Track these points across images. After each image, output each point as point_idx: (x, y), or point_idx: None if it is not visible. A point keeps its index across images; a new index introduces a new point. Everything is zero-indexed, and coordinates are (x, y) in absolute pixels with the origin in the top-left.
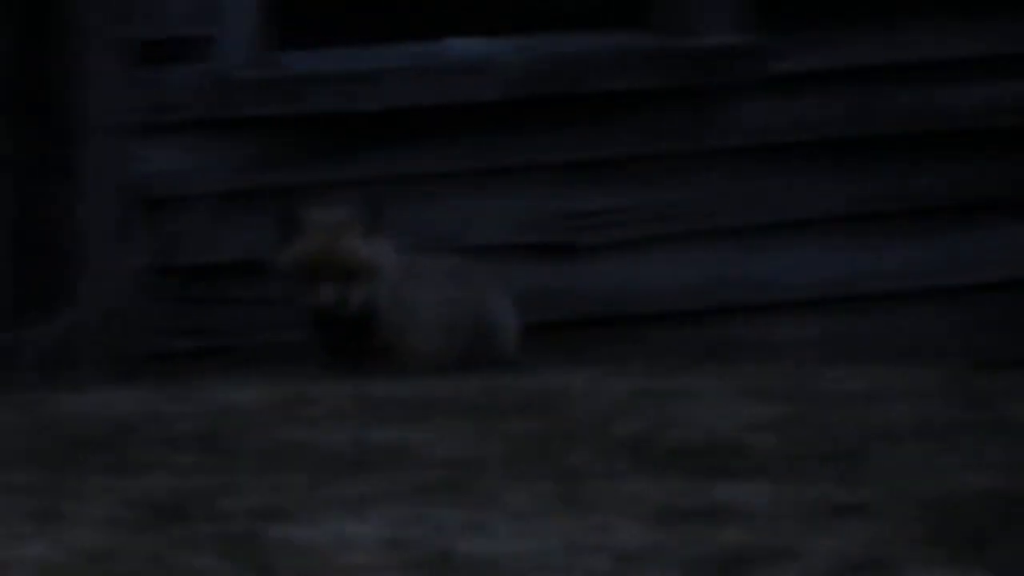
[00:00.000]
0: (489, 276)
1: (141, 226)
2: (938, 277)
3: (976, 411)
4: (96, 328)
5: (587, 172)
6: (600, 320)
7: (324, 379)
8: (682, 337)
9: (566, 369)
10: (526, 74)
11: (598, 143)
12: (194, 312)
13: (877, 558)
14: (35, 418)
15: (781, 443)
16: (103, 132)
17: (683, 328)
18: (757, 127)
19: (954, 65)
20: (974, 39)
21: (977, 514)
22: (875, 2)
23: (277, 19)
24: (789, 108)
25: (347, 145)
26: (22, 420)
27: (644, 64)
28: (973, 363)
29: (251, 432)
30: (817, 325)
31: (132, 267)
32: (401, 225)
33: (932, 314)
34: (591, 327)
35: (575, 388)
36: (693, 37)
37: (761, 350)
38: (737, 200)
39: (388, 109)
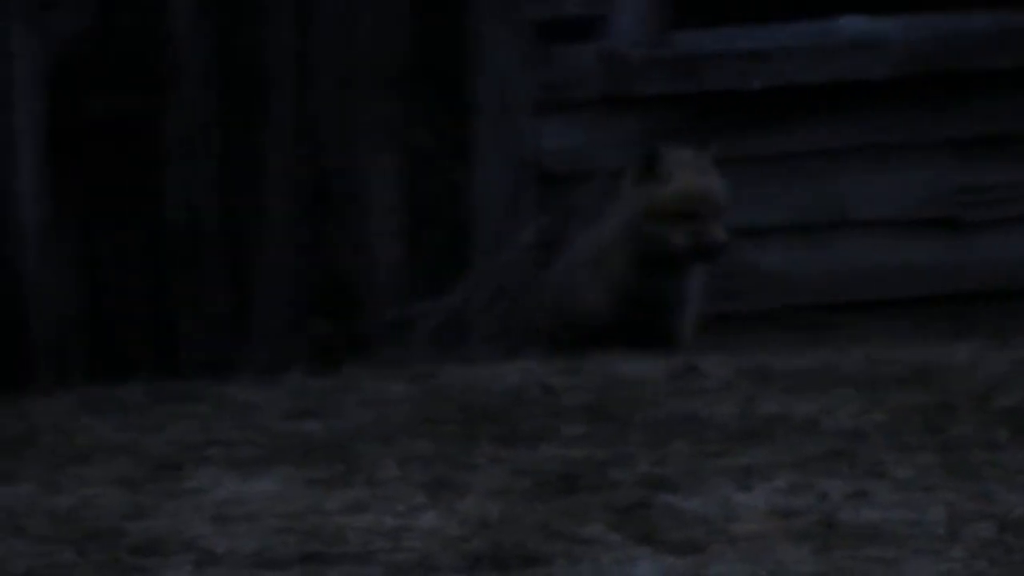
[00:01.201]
0: None
1: (534, 202)
2: None
3: None
4: (488, 302)
5: (976, 149)
6: (988, 294)
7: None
8: None
9: (950, 341)
10: (914, 52)
11: (986, 120)
12: None
13: None
14: (428, 390)
15: None
16: (499, 109)
17: None
18: None
19: None
20: None
21: None
22: None
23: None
24: None
25: (738, 122)
26: (416, 392)
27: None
28: None
29: (639, 404)
30: None
31: (525, 242)
32: (791, 200)
33: None
34: (980, 301)
35: (958, 360)
36: None
37: None
38: None
39: (779, 87)
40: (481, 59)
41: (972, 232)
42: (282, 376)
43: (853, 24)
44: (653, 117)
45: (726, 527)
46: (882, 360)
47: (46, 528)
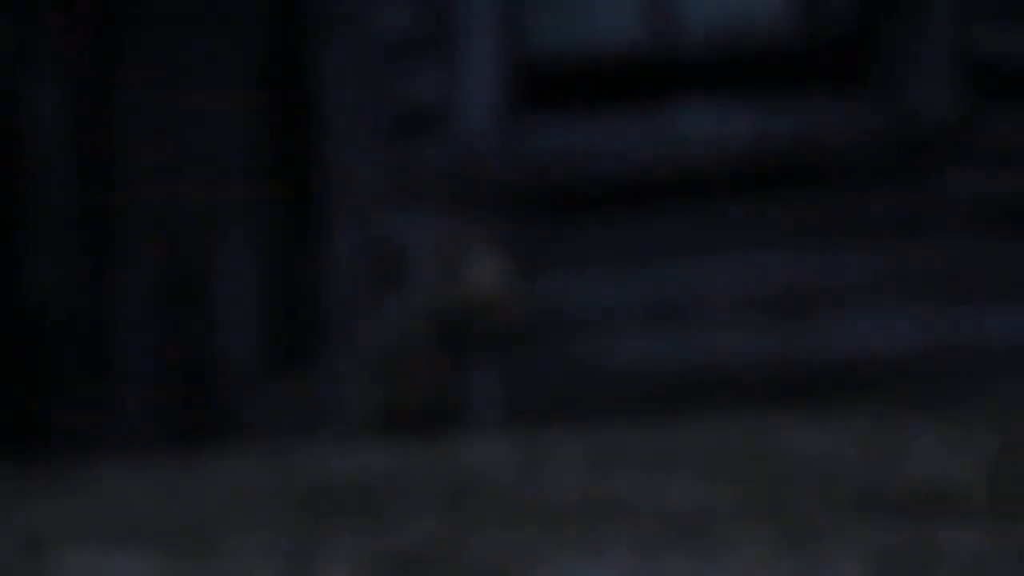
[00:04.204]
0: None
1: (386, 292)
2: None
3: None
4: (340, 387)
5: (814, 239)
6: (829, 379)
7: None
8: (908, 394)
9: (793, 424)
10: (753, 146)
11: (824, 212)
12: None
13: None
14: (286, 470)
15: (991, 488)
16: (352, 201)
17: (909, 385)
18: (972, 196)
19: None
20: None
21: None
22: None
23: (518, 92)
24: (1003, 178)
25: (585, 213)
26: (274, 472)
27: (865, 135)
28: None
29: (492, 484)
30: None
31: (376, 331)
32: (643, 286)
33: None
34: (820, 386)
35: (802, 440)
36: (911, 110)
37: (981, 404)
38: (955, 265)
39: (624, 178)
40: (335, 150)
41: (811, 319)
42: (143, 457)
43: (693, 118)
44: (503, 207)
45: None
46: (732, 441)
47: None
